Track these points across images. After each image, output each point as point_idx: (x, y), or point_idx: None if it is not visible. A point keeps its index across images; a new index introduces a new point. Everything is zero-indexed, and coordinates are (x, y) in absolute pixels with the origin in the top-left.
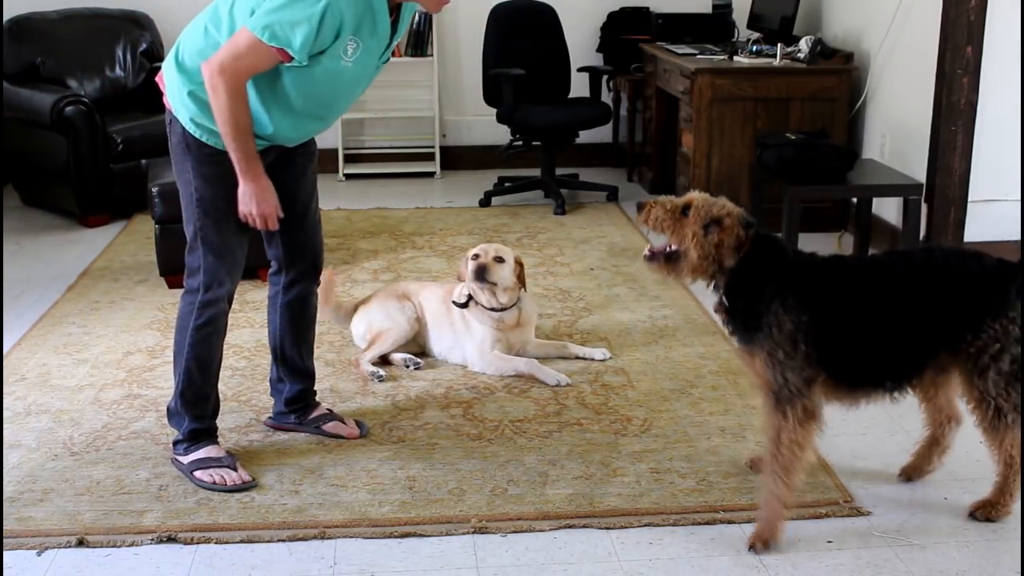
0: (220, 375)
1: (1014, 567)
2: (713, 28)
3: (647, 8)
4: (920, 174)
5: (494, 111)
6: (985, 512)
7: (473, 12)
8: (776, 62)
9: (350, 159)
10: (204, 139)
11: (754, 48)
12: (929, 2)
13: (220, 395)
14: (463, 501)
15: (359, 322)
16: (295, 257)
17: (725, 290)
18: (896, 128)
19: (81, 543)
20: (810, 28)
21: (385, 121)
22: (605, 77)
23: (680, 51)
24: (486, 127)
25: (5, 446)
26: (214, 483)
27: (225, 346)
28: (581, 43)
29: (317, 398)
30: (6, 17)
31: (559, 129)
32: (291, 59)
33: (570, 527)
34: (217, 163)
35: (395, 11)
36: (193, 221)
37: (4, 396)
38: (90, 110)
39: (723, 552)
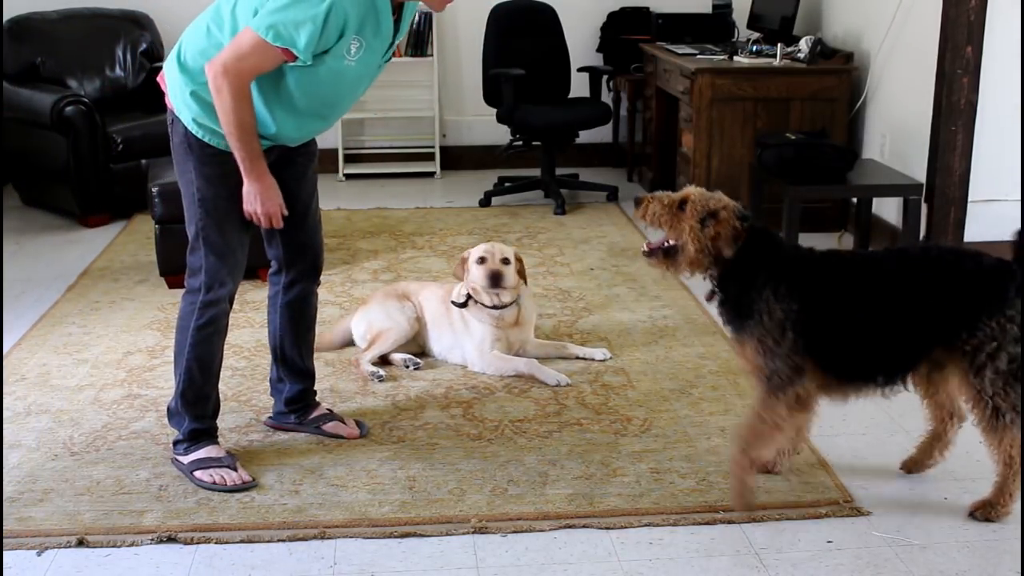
0: (220, 375)
1: (1014, 567)
2: (713, 28)
3: (647, 8)
4: (920, 174)
5: (494, 111)
6: (985, 512)
7: (473, 12)
8: (776, 62)
9: (350, 159)
10: (206, 139)
11: (754, 48)
12: (929, 2)
13: (220, 395)
14: (463, 501)
15: (359, 322)
16: (295, 257)
17: (719, 280)
18: (896, 128)
19: (81, 543)
20: (810, 28)
21: (385, 121)
22: (605, 77)
23: (680, 51)
24: (486, 127)
25: (5, 446)
26: (214, 483)
27: (225, 346)
28: (581, 43)
29: (317, 398)
30: (6, 17)
31: (559, 129)
32: (295, 59)
33: (570, 527)
34: (219, 163)
35: (397, 10)
36: (195, 221)
37: (4, 396)
38: (90, 110)
39: (723, 552)
